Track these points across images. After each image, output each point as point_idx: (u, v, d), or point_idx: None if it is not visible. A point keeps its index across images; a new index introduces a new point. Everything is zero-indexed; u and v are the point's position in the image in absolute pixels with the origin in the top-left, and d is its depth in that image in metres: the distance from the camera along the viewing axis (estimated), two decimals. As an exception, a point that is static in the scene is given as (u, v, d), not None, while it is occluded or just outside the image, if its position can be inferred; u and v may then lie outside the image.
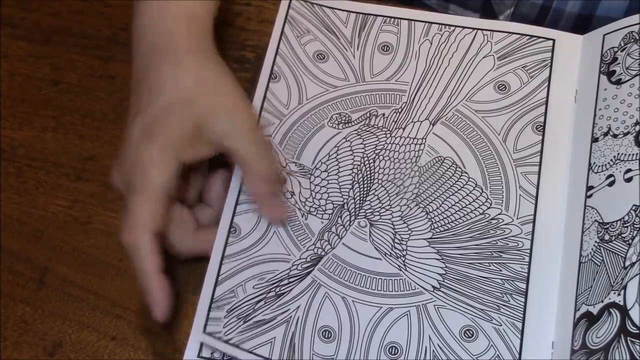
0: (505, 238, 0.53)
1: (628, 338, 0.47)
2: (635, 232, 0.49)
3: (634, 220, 0.49)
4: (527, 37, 0.59)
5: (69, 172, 0.61)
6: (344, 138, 0.57)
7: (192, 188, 0.55)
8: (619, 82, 0.54)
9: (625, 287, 0.48)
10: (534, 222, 0.53)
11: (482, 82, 0.58)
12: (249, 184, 0.54)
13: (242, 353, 0.51)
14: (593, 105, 0.55)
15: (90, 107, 0.63)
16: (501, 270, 0.52)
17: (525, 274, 0.52)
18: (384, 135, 0.57)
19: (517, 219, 0.54)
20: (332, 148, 0.57)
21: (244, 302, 0.53)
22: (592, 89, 0.55)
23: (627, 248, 0.49)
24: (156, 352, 0.55)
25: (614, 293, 0.48)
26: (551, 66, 0.57)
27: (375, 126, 0.57)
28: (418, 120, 0.57)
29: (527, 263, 0.52)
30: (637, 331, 0.46)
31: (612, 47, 0.55)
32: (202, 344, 0.53)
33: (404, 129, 0.57)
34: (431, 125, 0.57)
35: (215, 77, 0.53)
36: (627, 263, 0.48)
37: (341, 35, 0.61)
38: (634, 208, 0.50)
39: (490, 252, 0.53)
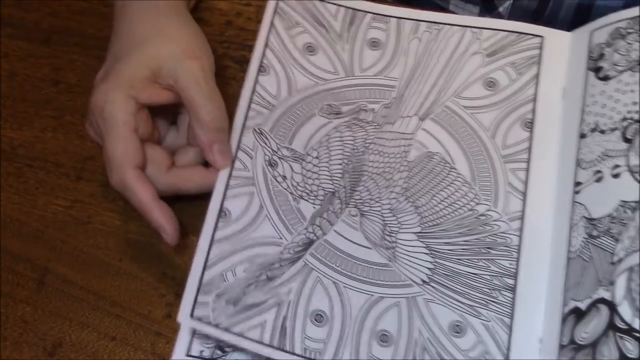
0: (494, 234, 0.53)
1: (617, 334, 0.47)
2: (623, 228, 0.49)
3: (622, 216, 0.49)
4: (516, 35, 0.59)
5: (69, 172, 0.61)
6: (334, 128, 0.57)
7: (162, 131, 0.57)
8: (606, 79, 0.54)
9: (613, 283, 0.48)
10: (522, 218, 0.53)
11: (470, 78, 0.58)
12: (194, 129, 0.54)
13: (232, 337, 0.51)
14: (580, 102, 0.55)
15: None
16: (490, 267, 0.52)
17: (514, 270, 0.52)
18: (374, 130, 0.57)
19: (506, 215, 0.54)
20: (324, 136, 0.57)
21: (234, 286, 0.52)
22: (579, 85, 0.55)
23: (615, 244, 0.49)
24: (156, 352, 0.55)
25: (602, 289, 0.48)
26: (539, 63, 0.57)
27: (365, 120, 0.57)
28: (407, 116, 0.57)
29: (515, 259, 0.52)
30: (626, 327, 0.47)
31: (600, 44, 0.55)
32: (191, 342, 0.52)
33: (393, 124, 0.57)
34: (420, 121, 0.57)
35: (170, 26, 0.56)
36: (615, 259, 0.49)
37: (330, 28, 0.61)
38: (621, 204, 0.50)
39: (478, 248, 0.53)
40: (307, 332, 0.51)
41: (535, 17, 0.65)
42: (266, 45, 0.60)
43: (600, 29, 0.56)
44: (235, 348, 0.53)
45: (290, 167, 0.56)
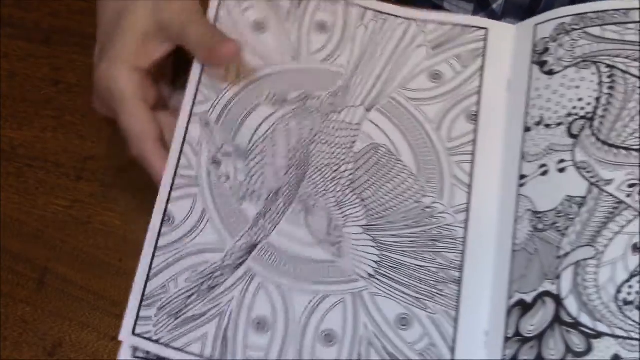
0: (439, 227, 0.53)
1: (563, 328, 0.47)
2: (569, 222, 0.50)
3: (568, 211, 0.50)
4: (460, 27, 0.58)
5: (69, 172, 0.61)
6: (279, 118, 0.55)
7: (166, 95, 0.58)
8: (551, 73, 0.55)
9: (559, 277, 0.49)
10: (467, 211, 0.53)
11: (416, 70, 0.57)
12: (199, 54, 0.55)
13: (173, 352, 0.50)
14: (525, 95, 0.55)
15: (90, 107, 0.61)
16: (435, 259, 0.52)
17: (459, 263, 0.52)
18: (320, 119, 0.56)
19: (451, 207, 0.54)
20: (268, 129, 0.55)
21: (175, 298, 0.51)
22: (524, 78, 0.56)
23: (560, 238, 0.50)
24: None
25: (548, 282, 0.49)
26: (484, 56, 0.57)
27: (312, 108, 0.56)
28: (353, 106, 0.56)
29: (460, 252, 0.53)
30: (572, 321, 0.47)
31: (544, 38, 0.56)
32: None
33: (339, 113, 0.56)
34: (366, 112, 0.56)
35: None
36: (561, 253, 0.49)
37: (279, 5, 0.58)
38: (567, 198, 0.50)
39: (424, 240, 0.53)
40: (248, 342, 0.50)
41: (529, 13, 0.65)
42: (216, 21, 0.57)
43: (544, 23, 0.56)
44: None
45: (234, 165, 0.54)
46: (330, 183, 0.54)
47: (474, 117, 0.56)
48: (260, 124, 0.55)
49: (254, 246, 0.53)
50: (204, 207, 0.53)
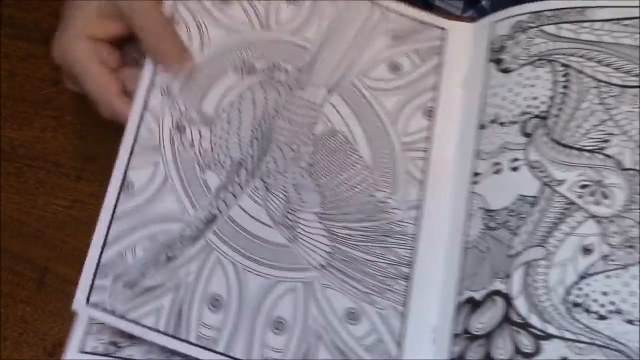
0: (391, 222, 0.53)
1: (512, 327, 0.48)
2: (521, 222, 0.50)
3: (520, 210, 0.50)
4: (419, 23, 0.58)
5: (69, 172, 0.61)
6: (247, 88, 0.54)
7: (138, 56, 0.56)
8: (507, 71, 0.55)
9: (510, 276, 0.49)
10: (419, 207, 0.53)
11: (377, 57, 0.57)
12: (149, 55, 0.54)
13: (127, 324, 0.48)
14: (480, 93, 0.55)
15: (90, 108, 0.60)
16: (386, 255, 0.52)
17: (409, 259, 0.52)
18: (285, 93, 0.54)
19: (404, 203, 0.53)
20: (235, 97, 0.54)
21: (132, 267, 0.49)
22: (480, 76, 0.55)
23: (512, 237, 0.50)
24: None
25: (499, 281, 0.49)
26: (441, 54, 0.57)
27: (278, 80, 0.54)
28: (317, 85, 0.55)
29: (411, 248, 0.52)
30: (522, 321, 0.48)
31: (501, 36, 0.56)
32: (85, 338, 0.49)
33: (304, 90, 0.55)
34: (328, 94, 0.55)
35: None
36: (512, 252, 0.49)
37: None
38: (520, 197, 0.50)
39: (376, 235, 0.52)
40: (203, 319, 0.49)
41: None
42: None
43: (502, 20, 0.56)
44: (131, 338, 0.50)
45: (199, 132, 0.53)
46: (290, 163, 0.53)
47: (430, 113, 0.55)
48: (226, 93, 0.54)
49: (214, 219, 0.51)
50: (167, 174, 0.51)
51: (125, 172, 0.51)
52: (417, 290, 0.52)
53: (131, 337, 0.50)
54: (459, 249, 0.51)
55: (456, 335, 0.49)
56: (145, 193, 0.51)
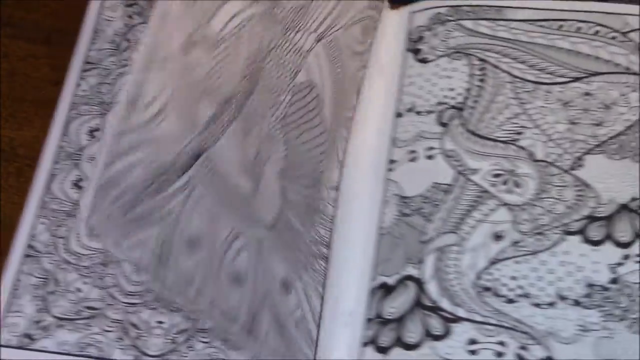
0: (320, 199, 0.52)
1: (423, 311, 0.48)
2: (435, 209, 0.51)
3: (434, 197, 0.51)
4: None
5: None
6: (248, 19, 0.50)
7: None
8: (424, 61, 0.56)
9: (422, 262, 0.50)
10: (338, 189, 0.53)
11: (358, 17, 0.55)
12: None
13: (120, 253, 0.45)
14: (398, 81, 0.56)
15: None
16: (310, 232, 0.51)
17: (328, 240, 0.52)
18: (281, 32, 0.52)
19: (328, 182, 0.53)
20: (240, 22, 0.49)
21: (130, 190, 0.46)
22: (397, 65, 0.56)
23: (425, 223, 0.51)
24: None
25: (411, 266, 0.50)
26: (375, 35, 0.57)
27: (276, 17, 0.52)
28: (308, 30, 0.53)
29: (329, 229, 0.52)
30: (433, 305, 0.48)
31: (419, 26, 0.57)
32: None
33: (296, 33, 0.53)
34: (316, 42, 0.53)
35: None
36: (426, 238, 0.50)
37: None
38: (434, 185, 0.51)
39: (310, 209, 0.51)
40: (179, 260, 0.45)
41: None
42: None
43: (421, 11, 0.57)
44: (45, 330, 0.49)
45: (204, 54, 0.49)
46: (269, 110, 0.51)
47: (358, 92, 0.55)
48: (230, 18, 0.51)
49: (199, 154, 0.48)
50: (170, 94, 0.46)
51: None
52: (335, 272, 0.51)
53: (45, 329, 0.50)
54: (373, 234, 0.52)
55: (369, 320, 0.50)
56: (151, 108, 0.45)
